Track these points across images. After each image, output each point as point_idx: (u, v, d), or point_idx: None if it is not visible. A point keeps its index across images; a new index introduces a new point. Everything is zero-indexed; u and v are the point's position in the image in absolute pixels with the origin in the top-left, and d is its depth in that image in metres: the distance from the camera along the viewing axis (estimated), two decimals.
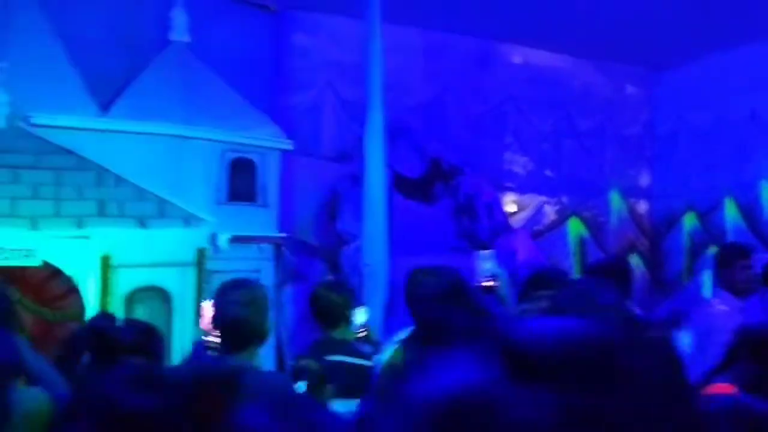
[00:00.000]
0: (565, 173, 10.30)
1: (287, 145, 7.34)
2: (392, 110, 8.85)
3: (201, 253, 6.32)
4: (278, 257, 7.11)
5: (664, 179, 10.51)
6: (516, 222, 9.92)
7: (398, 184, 8.41)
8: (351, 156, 8.63)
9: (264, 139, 7.20)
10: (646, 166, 10.81)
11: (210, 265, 6.38)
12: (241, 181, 7.08)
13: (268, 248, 7.14)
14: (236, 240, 6.77)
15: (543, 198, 10.23)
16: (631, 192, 10.75)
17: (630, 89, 10.73)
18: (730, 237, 9.40)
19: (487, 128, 9.73)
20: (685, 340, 7.66)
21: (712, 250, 9.60)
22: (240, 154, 7.10)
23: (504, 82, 9.76)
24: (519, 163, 10.11)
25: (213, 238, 6.21)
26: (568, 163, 10.32)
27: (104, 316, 3.56)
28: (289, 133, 7.88)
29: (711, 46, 9.08)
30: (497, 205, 8.86)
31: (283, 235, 7.16)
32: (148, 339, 2.94)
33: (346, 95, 8.71)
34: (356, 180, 8.25)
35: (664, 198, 10.50)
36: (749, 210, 9.18)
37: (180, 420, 1.49)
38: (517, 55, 9.93)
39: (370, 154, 5.75)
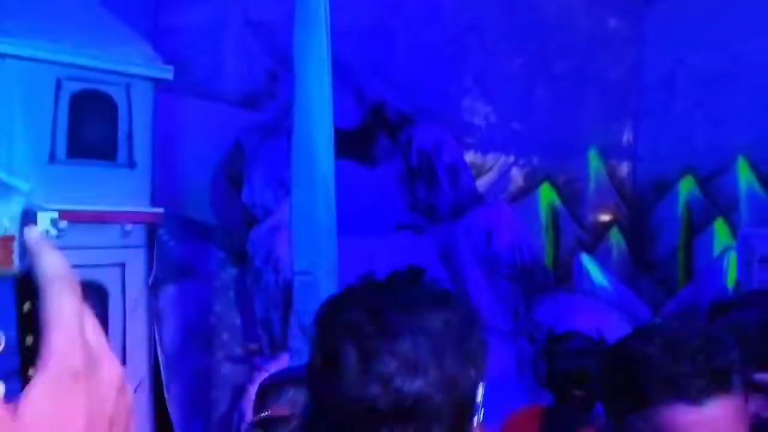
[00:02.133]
0: (536, 127, 8.19)
1: (164, 72, 4.85)
2: None
3: None
4: (153, 244, 4.68)
5: (653, 136, 8.57)
6: (479, 187, 7.77)
7: None
8: (263, 99, 6.24)
9: (128, 63, 4.68)
10: (631, 120, 8.84)
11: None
12: (90, 127, 4.61)
13: (137, 230, 4.68)
14: (79, 218, 4.29)
15: (510, 158, 8.12)
16: (612, 151, 8.77)
17: (614, 23, 8.67)
18: (744, 207, 7.56)
19: (443, 67, 7.46)
20: None
21: (720, 223, 7.77)
22: (88, 85, 4.59)
23: (465, 6, 7.50)
24: (481, 114, 7.92)
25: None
26: (541, 115, 8.21)
27: None
28: (174, 64, 5.41)
29: None
30: (464, 166, 6.65)
31: (161, 210, 4.71)
32: None
33: (257, 14, 6.30)
34: (270, 132, 5.88)
35: (653, 159, 8.56)
36: None
37: None
38: None
39: (307, 92, 3.44)
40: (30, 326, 0.47)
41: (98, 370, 0.48)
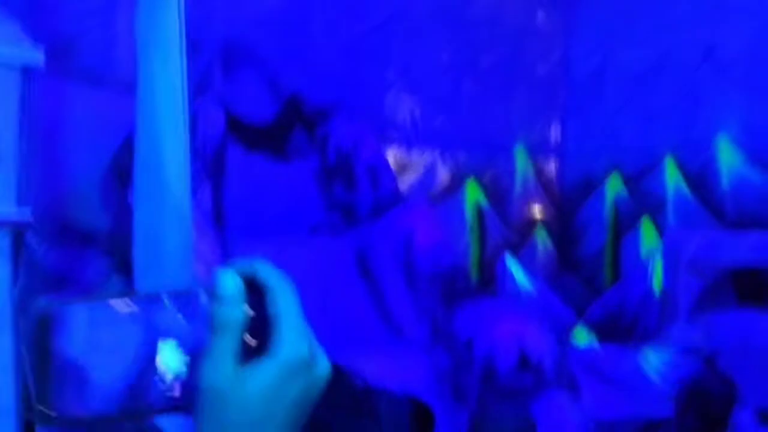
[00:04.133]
0: (463, 122, 7.90)
1: (33, 54, 4.27)
2: (228, 23, 6.04)
3: None
4: (18, 252, 4.12)
5: (581, 133, 8.38)
6: (400, 186, 7.42)
7: (237, 130, 5.60)
8: None
9: None
10: (559, 117, 8.63)
11: None
12: None
13: None
14: None
15: (435, 154, 7.80)
16: (539, 148, 8.55)
17: (542, 16, 8.43)
18: (671, 207, 7.44)
19: (366, 57, 7.07)
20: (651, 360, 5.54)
21: (646, 224, 7.64)
22: None
23: None
24: (405, 108, 7.57)
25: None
26: (468, 110, 7.92)
27: None
28: (56, 45, 4.85)
29: None
30: (384, 164, 6.27)
31: (28, 210, 4.15)
32: None
33: None
34: None
35: (581, 157, 8.38)
36: (698, 174, 7.22)
37: None
38: None
39: (151, 84, 2.91)
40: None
41: (315, 363, 0.60)
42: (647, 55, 7.50)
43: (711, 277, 5.87)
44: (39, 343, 0.51)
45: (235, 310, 0.58)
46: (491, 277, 7.64)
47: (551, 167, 8.67)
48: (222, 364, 0.56)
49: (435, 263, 5.62)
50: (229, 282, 0.59)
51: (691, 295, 5.93)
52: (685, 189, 7.27)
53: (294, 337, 0.57)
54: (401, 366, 5.29)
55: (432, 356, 5.32)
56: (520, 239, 8.47)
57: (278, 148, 5.92)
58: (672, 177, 7.38)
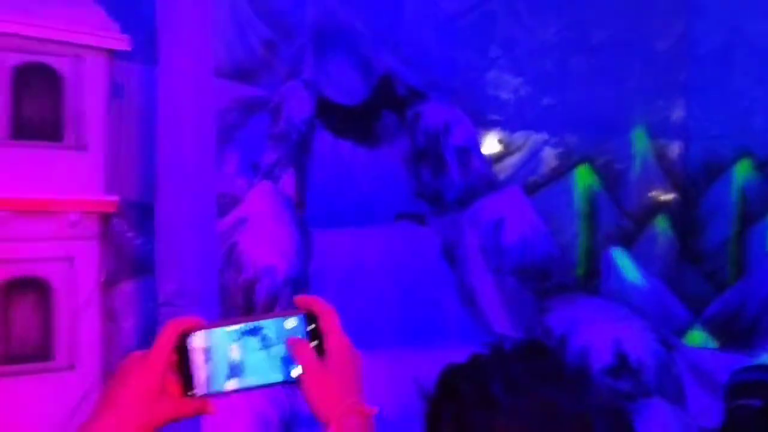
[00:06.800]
0: (572, 102, 7.39)
1: (120, 41, 4.32)
2: (320, 5, 5.93)
3: None
4: (106, 236, 4.22)
5: (707, 114, 7.63)
6: (502, 170, 7.08)
7: (325, 114, 5.48)
8: (255, 72, 5.66)
9: (76, 31, 4.18)
10: (681, 95, 7.90)
11: None
12: (34, 105, 4.15)
13: (87, 221, 4.22)
14: (20, 206, 3.88)
15: (542, 136, 7.37)
16: (660, 130, 7.87)
17: None
18: None
19: (466, 35, 6.75)
20: None
21: None
22: (32, 57, 4.13)
23: None
24: (509, 87, 7.18)
25: None
26: (577, 89, 7.40)
27: None
28: (144, 31, 4.89)
29: None
30: (476, 149, 5.95)
31: (115, 198, 4.23)
32: None
33: None
34: (253, 108, 5.31)
35: (706, 139, 7.64)
36: None
37: None
38: None
39: (172, 70, 2.78)
40: None
41: (354, 353, 0.96)
42: None
43: None
44: None
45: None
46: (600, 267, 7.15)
47: (674, 150, 7.98)
48: (308, 360, 0.89)
49: (527, 255, 5.27)
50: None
51: None
52: None
53: (337, 342, 0.89)
54: None
55: None
56: (637, 228, 7.88)
57: (367, 132, 5.75)
58: None
